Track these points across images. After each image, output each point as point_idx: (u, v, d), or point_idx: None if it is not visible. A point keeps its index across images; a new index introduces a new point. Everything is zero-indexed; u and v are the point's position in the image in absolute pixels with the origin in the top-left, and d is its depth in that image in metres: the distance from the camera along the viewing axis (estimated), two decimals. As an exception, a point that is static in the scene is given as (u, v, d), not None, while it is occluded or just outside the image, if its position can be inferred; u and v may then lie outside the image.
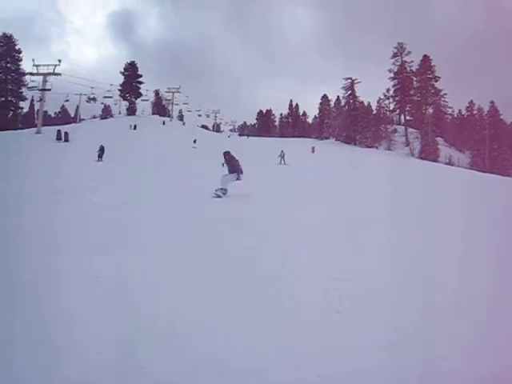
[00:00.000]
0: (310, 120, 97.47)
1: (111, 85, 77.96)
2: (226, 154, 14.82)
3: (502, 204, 15.65)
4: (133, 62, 78.46)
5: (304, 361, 3.18)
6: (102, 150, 23.08)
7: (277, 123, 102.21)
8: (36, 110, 66.78)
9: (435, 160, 62.05)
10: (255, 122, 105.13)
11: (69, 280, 4.54)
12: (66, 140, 36.10)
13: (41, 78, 48.80)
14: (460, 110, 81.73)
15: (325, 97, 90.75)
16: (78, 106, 77.66)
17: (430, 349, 3.40)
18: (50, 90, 52.06)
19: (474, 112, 79.12)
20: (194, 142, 40.90)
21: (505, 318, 3.76)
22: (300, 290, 4.75)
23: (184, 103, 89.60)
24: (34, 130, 46.11)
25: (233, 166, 14.24)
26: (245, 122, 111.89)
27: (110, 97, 79.18)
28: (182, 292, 4.71)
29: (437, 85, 77.26)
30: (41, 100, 48.98)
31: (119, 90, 77.27)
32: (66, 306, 3.99)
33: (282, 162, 31.22)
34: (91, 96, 77.75)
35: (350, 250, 6.62)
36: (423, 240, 7.87)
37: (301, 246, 7.06)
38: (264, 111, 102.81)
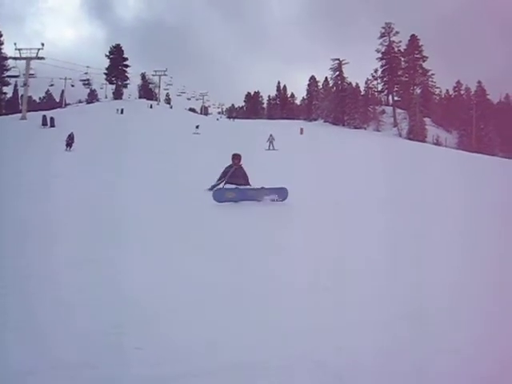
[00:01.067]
0: (298, 102, 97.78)
1: (87, 67, 77.23)
2: (236, 158, 9.90)
3: (492, 185, 15.83)
4: (118, 44, 77.35)
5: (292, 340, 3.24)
6: (70, 137, 21.78)
7: (265, 105, 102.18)
8: (20, 95, 65.61)
9: (423, 140, 62.39)
10: (243, 104, 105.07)
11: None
12: (52, 125, 35.65)
13: (23, 62, 47.89)
14: (447, 91, 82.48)
15: (313, 78, 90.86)
16: (63, 91, 76.77)
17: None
18: (34, 76, 51.42)
19: (462, 92, 79.71)
20: (197, 127, 38.27)
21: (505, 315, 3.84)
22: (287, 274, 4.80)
23: (168, 84, 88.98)
24: (19, 115, 45.42)
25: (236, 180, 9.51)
26: (233, 105, 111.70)
27: (87, 80, 78.41)
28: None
29: (424, 65, 77.66)
30: (25, 85, 48.11)
31: (105, 73, 76.42)
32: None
33: (271, 146, 28.69)
34: (84, 78, 76.92)
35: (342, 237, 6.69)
36: (414, 222, 7.96)
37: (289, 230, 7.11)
38: (252, 93, 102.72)
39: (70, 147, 21.53)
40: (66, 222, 6.86)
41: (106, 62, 76.03)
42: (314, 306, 3.92)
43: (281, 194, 9.09)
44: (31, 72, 49.21)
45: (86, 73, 77.16)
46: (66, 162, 15.53)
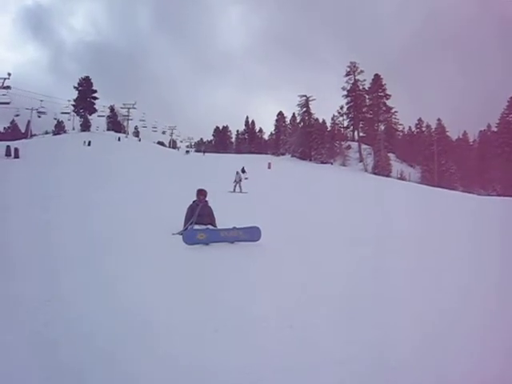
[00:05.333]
0: (266, 136, 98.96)
1: (68, 100, 76.60)
2: (201, 194, 9.44)
3: (454, 217, 16.37)
4: (87, 77, 77.15)
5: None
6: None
7: (233, 139, 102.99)
8: (-17, 125, 64.18)
9: (388, 175, 64.20)
10: (212, 138, 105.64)
11: None
12: (16, 156, 34.86)
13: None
14: (410, 127, 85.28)
15: (280, 114, 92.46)
16: (29, 121, 75.37)
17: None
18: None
19: (423, 129, 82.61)
20: (243, 171, 29.51)
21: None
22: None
23: (141, 120, 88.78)
24: (-19, 145, 44.19)
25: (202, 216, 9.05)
26: (201, 139, 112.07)
27: (68, 113, 77.58)
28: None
29: (388, 103, 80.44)
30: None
31: (73, 105, 75.85)
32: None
33: (238, 188, 23.35)
34: (40, 109, 75.52)
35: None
36: (377, 254, 8.11)
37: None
38: (221, 127, 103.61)
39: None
40: (22, 257, 6.53)
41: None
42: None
43: (253, 233, 8.48)
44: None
45: (66, 106, 76.31)
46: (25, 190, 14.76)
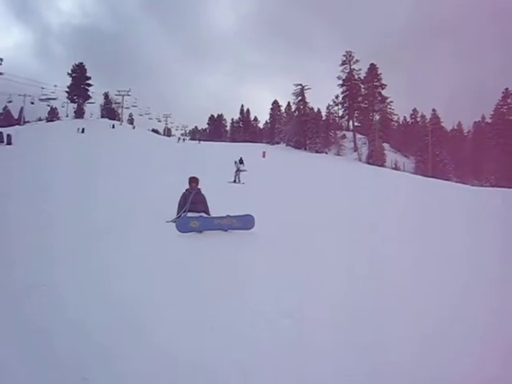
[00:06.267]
0: (261, 125, 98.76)
1: (55, 86, 75.86)
2: (193, 182, 9.37)
3: (449, 207, 16.35)
4: (81, 63, 76.29)
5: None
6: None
7: (228, 128, 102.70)
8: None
9: (382, 165, 64.14)
10: (207, 126, 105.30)
11: None
12: (9, 143, 34.46)
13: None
14: (405, 117, 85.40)
15: (275, 102, 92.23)
16: (22, 108, 74.63)
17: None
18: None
19: (418, 119, 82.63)
20: (241, 162, 25.84)
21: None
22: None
23: (133, 105, 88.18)
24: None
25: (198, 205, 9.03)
26: (196, 127, 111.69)
27: (54, 98, 76.77)
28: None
29: (383, 92, 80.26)
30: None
31: (66, 92, 75.13)
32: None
33: (237, 179, 22.87)
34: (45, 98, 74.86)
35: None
36: (373, 240, 8.06)
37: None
38: (215, 116, 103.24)
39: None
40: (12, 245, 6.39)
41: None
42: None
43: (247, 221, 8.46)
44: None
45: (52, 92, 75.55)
46: (19, 178, 14.56)
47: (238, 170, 23.56)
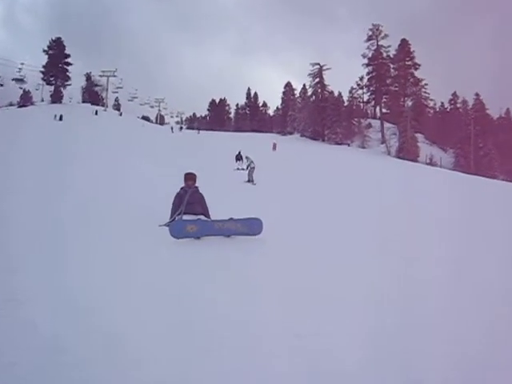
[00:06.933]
0: (271, 112, 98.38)
1: (22, 63, 76.10)
2: (190, 179, 9.16)
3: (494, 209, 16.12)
4: (59, 38, 76.35)
5: None
6: None
7: (232, 115, 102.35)
8: None
9: (415, 160, 63.68)
10: (207, 113, 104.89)
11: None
12: (-27, 132, 34.58)
13: None
14: (442, 103, 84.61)
15: (288, 85, 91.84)
16: (-12, 91, 75.04)
17: None
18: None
19: (458, 105, 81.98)
20: (239, 158, 28.61)
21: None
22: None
23: (118, 87, 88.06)
24: None
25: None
26: (194, 114, 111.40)
27: (21, 79, 77.17)
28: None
29: (417, 73, 79.71)
30: None
31: (41, 72, 75.32)
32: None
33: (251, 178, 23.10)
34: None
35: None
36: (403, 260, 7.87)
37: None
38: (217, 101, 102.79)
39: None
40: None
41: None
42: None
43: (253, 226, 8.30)
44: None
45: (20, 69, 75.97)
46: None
47: (251, 168, 23.69)
